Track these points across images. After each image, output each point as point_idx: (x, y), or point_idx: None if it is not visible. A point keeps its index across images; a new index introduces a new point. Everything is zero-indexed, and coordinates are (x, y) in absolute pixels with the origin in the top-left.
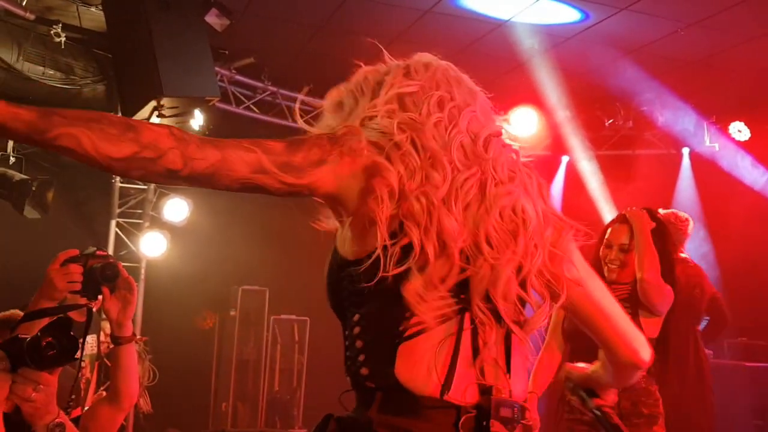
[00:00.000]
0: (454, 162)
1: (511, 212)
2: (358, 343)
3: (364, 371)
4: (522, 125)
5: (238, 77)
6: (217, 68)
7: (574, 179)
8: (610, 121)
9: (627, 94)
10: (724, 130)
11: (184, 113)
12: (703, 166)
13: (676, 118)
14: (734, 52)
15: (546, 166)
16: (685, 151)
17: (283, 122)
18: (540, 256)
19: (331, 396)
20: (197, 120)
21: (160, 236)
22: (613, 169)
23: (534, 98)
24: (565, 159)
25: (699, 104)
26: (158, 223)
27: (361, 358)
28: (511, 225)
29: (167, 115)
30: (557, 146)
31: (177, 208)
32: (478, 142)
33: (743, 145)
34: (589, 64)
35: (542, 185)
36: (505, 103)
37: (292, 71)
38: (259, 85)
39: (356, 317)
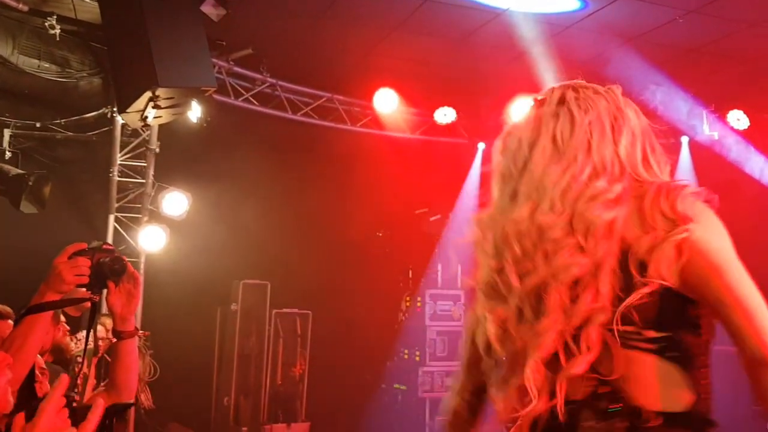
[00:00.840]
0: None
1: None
2: None
3: None
4: (522, 116)
5: (236, 69)
6: (214, 60)
7: None
8: None
9: (626, 83)
10: (722, 119)
11: (181, 104)
12: (702, 155)
13: (675, 106)
14: (733, 39)
15: None
16: (684, 139)
17: (283, 114)
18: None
19: (333, 389)
20: (195, 112)
21: (160, 230)
22: None
23: (534, 88)
24: None
25: (698, 92)
26: (157, 217)
27: None
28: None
29: (163, 106)
30: None
31: (176, 201)
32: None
33: (742, 134)
34: (588, 52)
35: (661, 193)
36: (505, 93)
37: (292, 62)
38: (258, 76)
39: None
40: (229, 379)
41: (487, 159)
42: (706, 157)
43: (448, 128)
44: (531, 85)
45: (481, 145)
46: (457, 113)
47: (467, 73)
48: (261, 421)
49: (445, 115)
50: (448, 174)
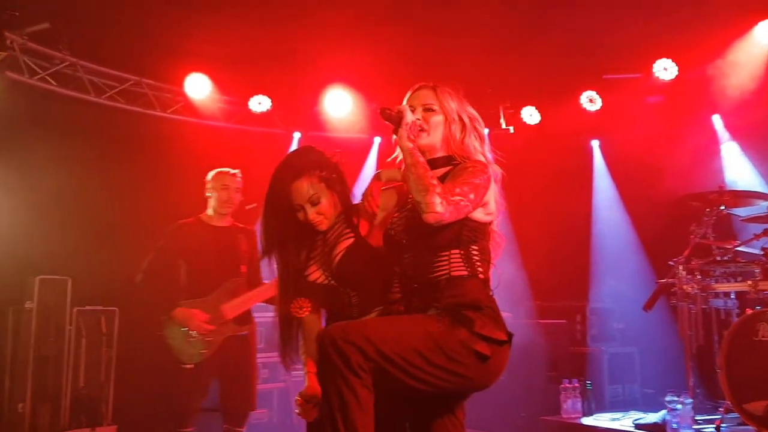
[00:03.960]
0: None
1: None
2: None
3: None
4: (335, 106)
5: (32, 45)
6: (6, 33)
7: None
8: None
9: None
10: (517, 114)
11: None
12: (499, 148)
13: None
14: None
15: (359, 148)
16: (486, 131)
17: (86, 97)
18: None
19: (142, 390)
20: None
21: None
22: None
23: (350, 78)
24: (377, 140)
25: (496, 89)
26: None
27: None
28: None
29: None
30: (371, 128)
31: None
32: None
33: (534, 129)
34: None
35: None
36: (321, 82)
37: (96, 41)
38: (57, 54)
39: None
40: (23, 383)
41: None
42: (502, 149)
43: (263, 117)
44: (346, 75)
45: (297, 135)
46: (273, 102)
47: (283, 60)
48: (62, 426)
49: (259, 103)
50: (264, 163)
